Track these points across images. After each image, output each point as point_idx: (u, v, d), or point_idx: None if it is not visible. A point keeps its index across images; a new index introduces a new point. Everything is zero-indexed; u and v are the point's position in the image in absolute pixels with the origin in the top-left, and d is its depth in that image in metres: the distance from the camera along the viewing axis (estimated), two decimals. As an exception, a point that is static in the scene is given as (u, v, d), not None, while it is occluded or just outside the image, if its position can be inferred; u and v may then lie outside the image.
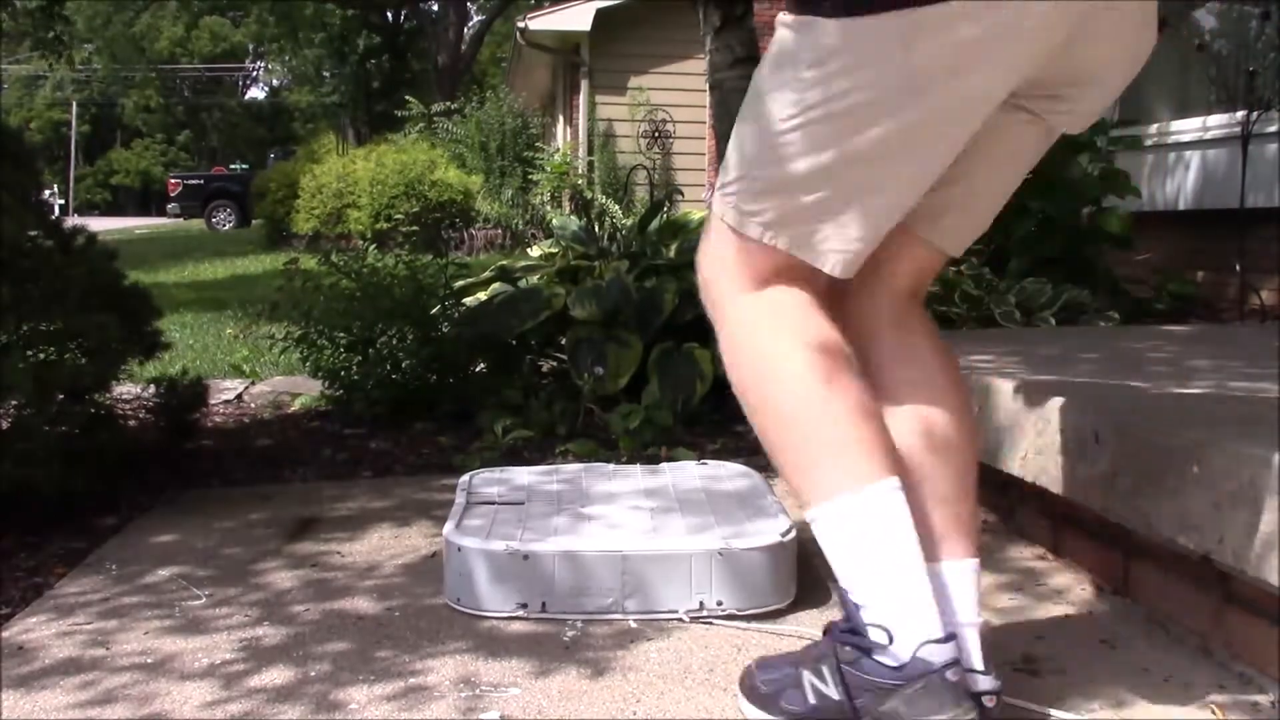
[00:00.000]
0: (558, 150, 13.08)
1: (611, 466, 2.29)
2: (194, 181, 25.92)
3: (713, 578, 1.71)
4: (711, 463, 2.29)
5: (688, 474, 2.18)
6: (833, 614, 1.73)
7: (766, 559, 1.72)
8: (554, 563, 1.72)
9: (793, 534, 1.76)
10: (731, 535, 1.77)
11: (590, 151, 12.36)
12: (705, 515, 1.94)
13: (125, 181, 50.61)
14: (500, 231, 12.20)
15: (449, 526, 1.83)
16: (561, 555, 1.73)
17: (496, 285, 3.64)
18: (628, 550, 1.73)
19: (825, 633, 1.37)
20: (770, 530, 1.78)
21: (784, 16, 1.30)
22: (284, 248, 12.88)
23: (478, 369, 3.33)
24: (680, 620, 1.69)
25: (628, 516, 1.89)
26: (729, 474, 2.16)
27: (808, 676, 1.33)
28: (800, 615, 1.72)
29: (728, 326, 1.38)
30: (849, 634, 1.29)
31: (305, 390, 3.61)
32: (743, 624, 1.68)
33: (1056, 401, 1.88)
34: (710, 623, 1.69)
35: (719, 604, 1.71)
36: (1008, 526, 2.15)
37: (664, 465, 2.29)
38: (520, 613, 1.72)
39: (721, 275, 1.38)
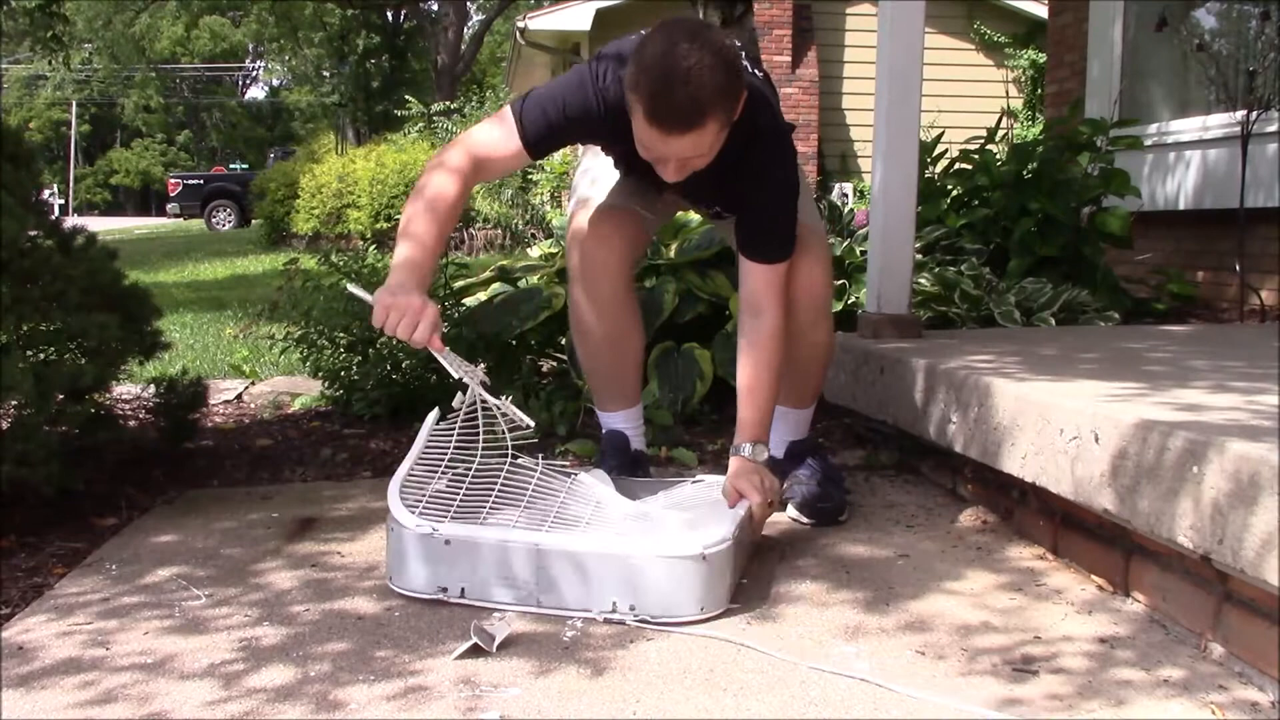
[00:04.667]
0: (557, 150, 13.06)
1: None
2: (194, 181, 25.97)
3: (625, 581, 1.69)
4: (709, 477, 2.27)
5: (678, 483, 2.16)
6: (806, 619, 1.73)
7: (676, 569, 1.68)
8: (470, 549, 1.75)
9: (721, 547, 1.71)
10: (652, 543, 1.73)
11: (590, 151, 12.33)
12: (644, 520, 1.91)
13: (125, 181, 50.64)
14: (500, 231, 12.20)
15: (394, 506, 1.83)
16: (478, 543, 1.75)
17: (496, 285, 3.64)
18: (543, 544, 1.73)
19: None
20: (693, 543, 1.71)
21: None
22: (284, 248, 12.89)
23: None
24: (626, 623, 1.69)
25: (574, 513, 1.88)
26: (717, 482, 2.13)
27: None
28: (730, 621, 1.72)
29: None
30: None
31: (305, 390, 3.61)
32: (661, 627, 1.66)
33: (1057, 402, 1.88)
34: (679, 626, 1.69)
35: (631, 608, 1.69)
36: (1007, 526, 2.15)
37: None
38: (441, 595, 1.76)
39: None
